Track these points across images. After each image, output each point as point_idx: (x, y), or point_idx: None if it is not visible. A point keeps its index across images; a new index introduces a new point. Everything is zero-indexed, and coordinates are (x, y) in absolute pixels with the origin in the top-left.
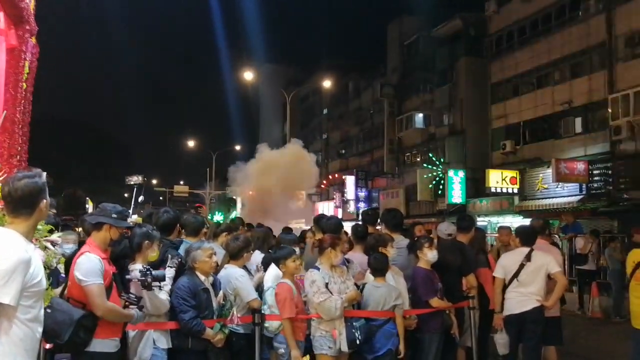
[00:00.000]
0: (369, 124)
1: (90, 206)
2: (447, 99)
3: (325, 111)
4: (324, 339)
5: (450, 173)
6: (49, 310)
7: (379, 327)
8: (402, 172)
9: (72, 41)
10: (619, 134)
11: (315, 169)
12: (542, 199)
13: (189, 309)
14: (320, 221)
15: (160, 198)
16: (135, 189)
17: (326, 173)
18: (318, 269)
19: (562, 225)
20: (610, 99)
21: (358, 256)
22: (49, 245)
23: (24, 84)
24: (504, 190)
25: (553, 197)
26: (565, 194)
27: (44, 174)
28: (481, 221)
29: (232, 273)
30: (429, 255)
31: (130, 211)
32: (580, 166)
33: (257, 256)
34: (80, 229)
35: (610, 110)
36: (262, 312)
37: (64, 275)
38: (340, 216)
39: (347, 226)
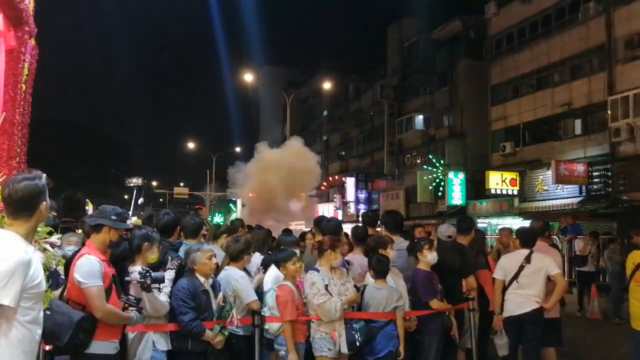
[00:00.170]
0: (369, 125)
1: (90, 208)
2: (447, 100)
3: (325, 113)
4: (323, 340)
5: (450, 175)
6: (48, 312)
7: (379, 329)
8: (402, 173)
9: (72, 43)
10: (618, 135)
11: (318, 167)
12: (542, 200)
13: (189, 310)
14: (320, 223)
15: (160, 200)
16: (135, 191)
17: (326, 175)
18: (318, 270)
19: (561, 227)
20: (609, 100)
21: (358, 258)
22: (48, 247)
23: (23, 85)
24: (504, 192)
25: (553, 199)
26: (565, 196)
27: (44, 175)
28: (481, 223)
29: (231, 275)
30: (429, 257)
31: (130, 213)
32: (580, 168)
33: (257, 258)
34: (80, 231)
35: (609, 112)
36: (262, 314)
37: (63, 277)
38: (340, 218)
39: (347, 228)
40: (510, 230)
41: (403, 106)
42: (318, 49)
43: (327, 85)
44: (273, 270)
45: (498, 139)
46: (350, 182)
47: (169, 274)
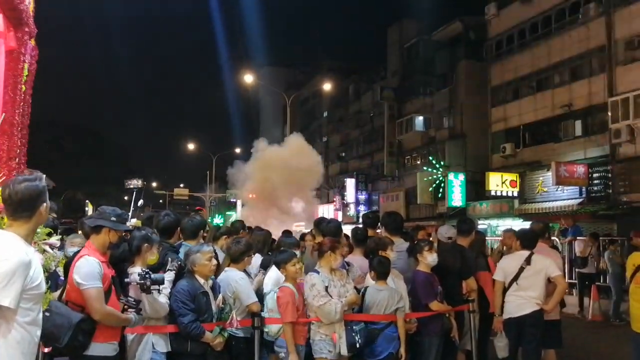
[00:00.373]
0: (369, 126)
1: (89, 209)
2: (447, 102)
3: (325, 114)
4: (323, 342)
5: (450, 176)
6: (47, 314)
7: (380, 331)
8: (402, 175)
9: (72, 44)
10: (618, 137)
11: (320, 163)
12: (542, 202)
13: (188, 312)
14: (320, 224)
15: (160, 201)
16: (134, 192)
17: (326, 176)
18: (318, 272)
19: (562, 229)
20: (610, 102)
21: (358, 259)
22: (47, 248)
23: (23, 86)
24: (504, 194)
25: (553, 200)
26: (565, 197)
27: (44, 177)
28: (481, 224)
29: (231, 276)
30: (429, 258)
31: (130, 214)
32: (580, 169)
33: (258, 259)
34: (79, 232)
35: (610, 114)
36: (262, 315)
37: (63, 279)
38: (340, 219)
39: (347, 229)
40: (513, 231)
41: (403, 107)
42: (318, 50)
43: (327, 86)
44: (274, 271)
45: (498, 140)
46: (350, 183)
47: (169, 276)
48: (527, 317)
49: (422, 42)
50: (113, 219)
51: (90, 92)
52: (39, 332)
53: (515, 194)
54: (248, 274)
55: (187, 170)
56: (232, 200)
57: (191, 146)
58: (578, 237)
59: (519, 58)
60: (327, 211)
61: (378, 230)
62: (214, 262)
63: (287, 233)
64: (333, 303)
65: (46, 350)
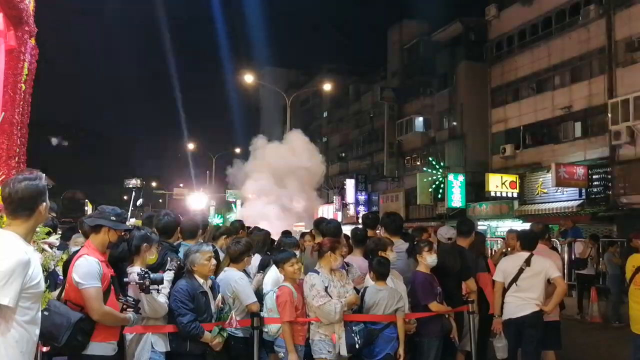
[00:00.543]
0: (369, 127)
1: (89, 208)
2: (447, 102)
3: (325, 114)
4: (323, 343)
5: (450, 177)
6: (46, 313)
7: (380, 332)
8: (402, 175)
9: (72, 43)
10: (618, 138)
11: (321, 160)
12: (542, 203)
13: (188, 312)
14: (320, 225)
15: (160, 201)
16: (133, 191)
17: (326, 176)
18: (318, 272)
19: (561, 230)
20: (609, 103)
21: (358, 260)
22: (46, 247)
23: (23, 85)
24: (504, 195)
25: (552, 202)
26: (564, 199)
27: (44, 176)
28: (481, 225)
29: (231, 276)
30: (428, 259)
31: (129, 214)
32: (580, 171)
33: (257, 259)
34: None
35: (609, 115)
36: (261, 315)
37: (62, 278)
38: (339, 219)
39: (346, 230)
40: (517, 232)
41: (403, 108)
42: (319, 51)
43: (327, 87)
44: (273, 271)
45: (498, 141)
46: (349, 184)
47: (168, 275)
48: (527, 318)
49: (422, 42)
50: (113, 218)
51: (91, 91)
52: (37, 331)
53: (515, 195)
54: (247, 274)
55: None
56: (231, 200)
57: (191, 146)
58: (577, 239)
59: (519, 59)
60: (326, 211)
61: (377, 231)
62: (213, 262)
63: (286, 233)
64: (333, 303)
65: (45, 349)
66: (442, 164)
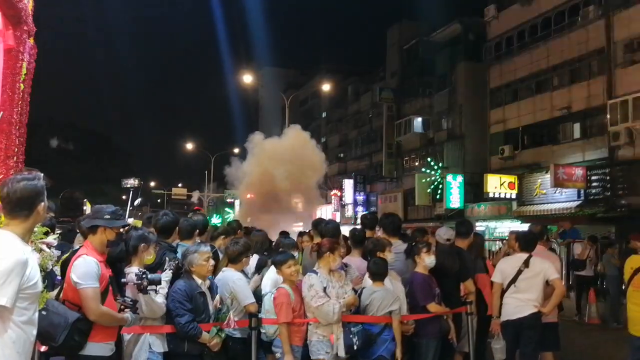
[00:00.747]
0: (367, 127)
1: (88, 208)
2: (446, 103)
3: (324, 114)
4: (321, 343)
5: (449, 178)
6: (44, 312)
7: (378, 335)
8: (401, 176)
9: (71, 42)
10: (617, 139)
11: (321, 155)
12: (540, 204)
13: (186, 312)
14: (319, 225)
15: (159, 200)
16: (131, 191)
17: (325, 176)
18: (316, 273)
19: (560, 231)
20: (608, 104)
21: (356, 261)
22: (44, 247)
23: (22, 85)
24: (502, 195)
25: (551, 203)
26: (563, 200)
27: (43, 176)
28: (479, 226)
29: (229, 276)
30: (427, 260)
31: (127, 214)
32: (579, 172)
33: (256, 260)
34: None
35: (608, 116)
36: (260, 316)
37: (59, 278)
38: (338, 220)
39: (345, 230)
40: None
41: (402, 108)
42: (318, 51)
43: (326, 87)
44: (272, 273)
45: (497, 142)
46: (348, 184)
47: (166, 275)
48: (525, 319)
49: (421, 43)
50: (107, 216)
51: (90, 91)
52: (34, 332)
53: (514, 196)
54: (245, 275)
55: (185, 169)
56: (229, 200)
57: (190, 146)
58: (576, 240)
59: (518, 60)
60: (325, 212)
61: (377, 232)
62: (212, 262)
63: (284, 234)
64: (331, 304)
65: (42, 349)
66: (440, 164)
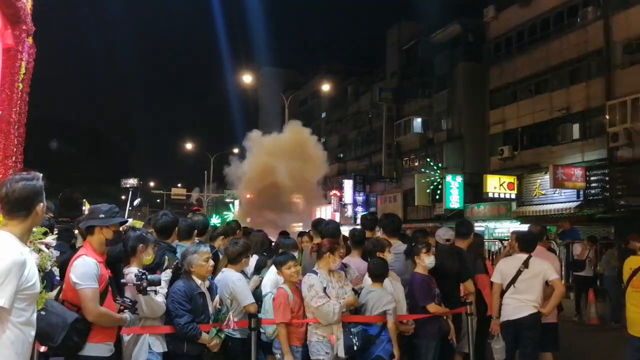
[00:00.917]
0: (367, 128)
1: (86, 208)
2: (445, 104)
3: (323, 115)
4: (320, 344)
5: (448, 178)
6: (43, 313)
7: (376, 337)
8: (400, 176)
9: (70, 42)
10: (616, 140)
11: (322, 152)
12: (540, 204)
13: (185, 313)
14: (319, 226)
15: (158, 201)
16: (130, 191)
17: (324, 176)
18: (316, 273)
19: (559, 232)
20: (607, 105)
21: (356, 261)
22: (43, 247)
23: (20, 84)
24: (502, 196)
25: (550, 203)
26: (562, 200)
27: (41, 176)
28: (479, 226)
29: (229, 277)
30: (427, 260)
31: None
32: (578, 172)
33: (255, 261)
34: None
35: (607, 117)
36: (259, 316)
37: (58, 278)
38: (337, 220)
39: (344, 230)
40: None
41: (401, 109)
42: (317, 51)
43: (325, 87)
44: (273, 273)
45: (496, 142)
46: (348, 185)
47: (166, 275)
48: (525, 320)
49: (421, 43)
50: (101, 215)
51: (89, 91)
52: (33, 332)
53: (513, 197)
54: (245, 275)
55: (185, 169)
56: (228, 200)
57: (189, 146)
58: (575, 241)
59: (517, 61)
60: (324, 212)
61: (377, 233)
62: (211, 262)
63: (284, 234)
64: (331, 304)
65: (42, 349)
66: (440, 165)
